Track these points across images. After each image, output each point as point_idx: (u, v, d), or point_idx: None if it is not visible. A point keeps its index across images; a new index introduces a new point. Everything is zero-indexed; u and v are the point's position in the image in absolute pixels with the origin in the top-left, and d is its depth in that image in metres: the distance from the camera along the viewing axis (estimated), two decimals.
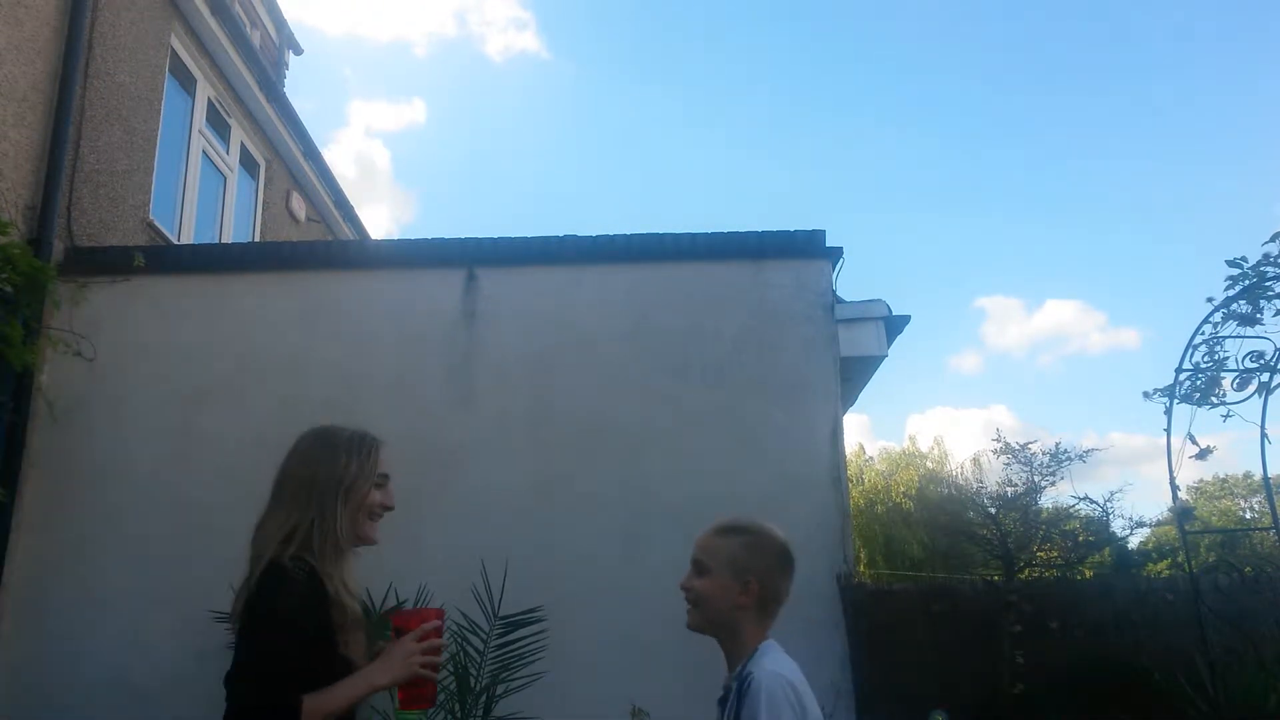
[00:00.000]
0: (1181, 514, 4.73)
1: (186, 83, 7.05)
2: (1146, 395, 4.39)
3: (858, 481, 16.53)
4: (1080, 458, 4.81)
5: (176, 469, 4.68)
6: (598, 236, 5.09)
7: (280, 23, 10.20)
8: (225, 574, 4.25)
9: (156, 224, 6.35)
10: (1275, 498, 4.40)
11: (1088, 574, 5.54)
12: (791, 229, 5.00)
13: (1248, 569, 4.13)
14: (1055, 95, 63.74)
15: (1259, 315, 4.09)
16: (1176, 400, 4.26)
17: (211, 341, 4.91)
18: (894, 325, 5.13)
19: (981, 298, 66.08)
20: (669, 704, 3.73)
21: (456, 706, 3.72)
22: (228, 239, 7.59)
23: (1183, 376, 4.26)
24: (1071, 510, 4.92)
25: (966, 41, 66.39)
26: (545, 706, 3.91)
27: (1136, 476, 51.67)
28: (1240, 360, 4.13)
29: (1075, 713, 3.88)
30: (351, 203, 9.96)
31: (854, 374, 5.37)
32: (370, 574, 2.04)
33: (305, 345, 4.89)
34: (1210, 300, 4.22)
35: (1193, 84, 63.46)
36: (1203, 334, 4.24)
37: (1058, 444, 4.83)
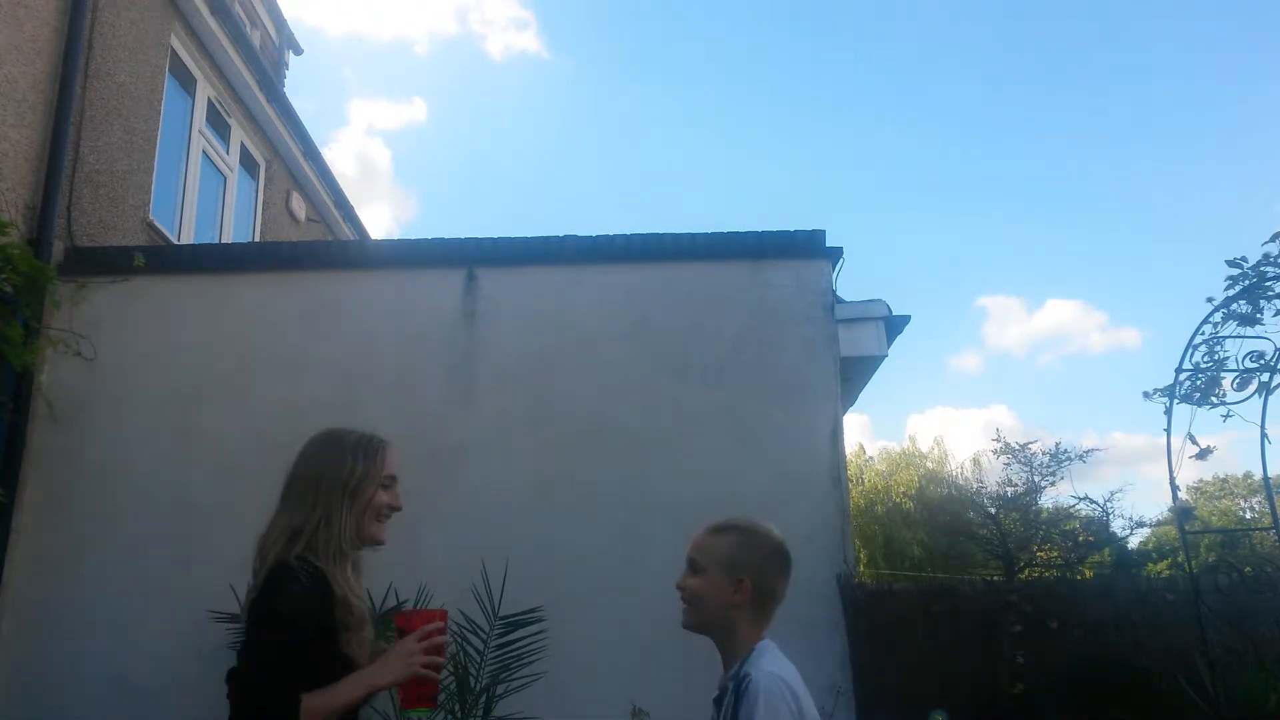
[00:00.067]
0: (1181, 514, 4.73)
1: (186, 83, 7.05)
2: (1146, 395, 4.39)
3: (858, 481, 16.53)
4: (1080, 458, 4.82)
5: (176, 469, 4.68)
6: (598, 236, 5.09)
7: (280, 23, 10.20)
8: (225, 574, 4.27)
9: (156, 224, 6.35)
10: (1275, 498, 4.41)
11: (1088, 574, 5.53)
12: (791, 229, 5.00)
13: (1248, 569, 4.13)
14: (1055, 95, 63.82)
15: (1259, 315, 4.09)
16: (1176, 400, 4.26)
17: (211, 341, 4.91)
18: (894, 325, 5.13)
19: (982, 297, 66.18)
20: (669, 704, 3.73)
21: (456, 706, 3.72)
22: (228, 239, 7.60)
23: (1183, 376, 4.26)
24: (1071, 510, 4.93)
25: (966, 41, 66.42)
26: (545, 706, 3.91)
27: (1136, 476, 51.71)
28: (1240, 360, 4.14)
29: (1075, 713, 3.88)
30: (351, 202, 9.97)
31: (854, 374, 5.37)
32: (370, 574, 2.05)
33: (305, 345, 4.89)
34: (1210, 300, 4.22)
35: (1193, 84, 63.54)
36: (1203, 334, 4.24)
37: (1058, 444, 4.84)
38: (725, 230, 5.07)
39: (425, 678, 1.84)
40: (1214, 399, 4.21)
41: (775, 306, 4.86)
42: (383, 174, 76.84)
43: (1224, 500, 32.66)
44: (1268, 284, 4.07)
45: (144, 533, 4.58)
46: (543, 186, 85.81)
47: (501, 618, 3.87)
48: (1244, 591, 3.98)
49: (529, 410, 4.74)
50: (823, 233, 4.97)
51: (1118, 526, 4.99)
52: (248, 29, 8.26)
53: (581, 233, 5.14)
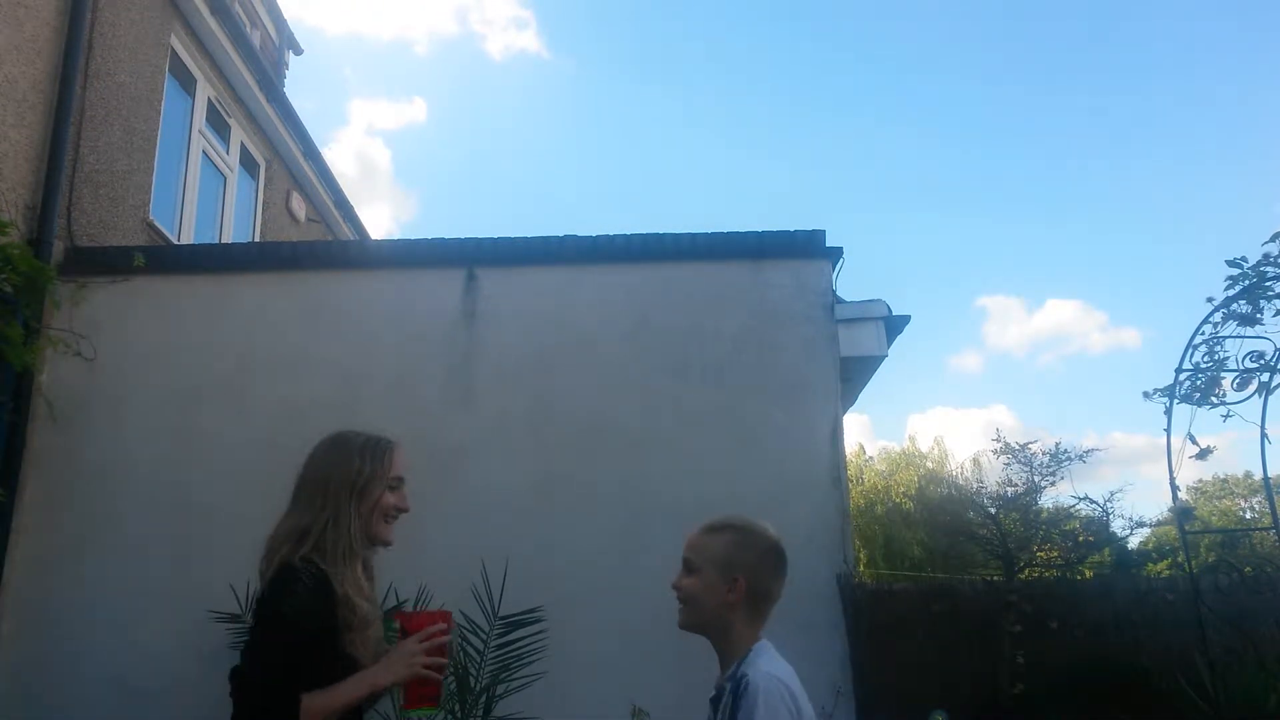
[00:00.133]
0: (1181, 514, 4.73)
1: (186, 83, 7.05)
2: (1146, 395, 4.39)
3: (858, 481, 16.52)
4: (1080, 458, 4.81)
5: (176, 469, 4.68)
6: (598, 236, 5.09)
7: (280, 23, 10.20)
8: (225, 574, 4.28)
9: (156, 224, 6.35)
10: (1275, 498, 4.40)
11: (1088, 574, 5.53)
12: (791, 229, 5.00)
13: (1248, 569, 4.13)
14: (1055, 95, 63.81)
15: (1259, 315, 4.09)
16: (1176, 400, 4.26)
17: (211, 341, 4.91)
18: (894, 325, 5.13)
19: (982, 297, 66.18)
20: (669, 704, 3.73)
21: (456, 706, 3.72)
22: (228, 239, 7.60)
23: (1183, 376, 4.26)
24: (1071, 510, 4.92)
25: (966, 41, 66.43)
26: (545, 706, 3.91)
27: (1136, 476, 51.66)
28: (1240, 360, 4.14)
29: (1075, 713, 3.88)
30: (351, 202, 9.97)
31: (854, 374, 5.36)
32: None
33: (305, 345, 4.89)
34: (1210, 300, 4.22)
35: (1193, 84, 63.53)
36: (1203, 334, 4.24)
37: (1058, 444, 4.83)
38: (725, 230, 5.08)
39: (427, 678, 1.85)
40: (1214, 399, 4.20)
41: (775, 306, 4.86)
42: (383, 174, 76.89)
43: (1224, 500, 32.65)
44: (1268, 284, 4.07)
45: (144, 533, 4.58)
46: (543, 186, 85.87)
47: (501, 618, 3.87)
48: (1244, 591, 3.98)
49: (529, 410, 4.74)
50: (823, 233, 4.97)
51: (1118, 526, 4.99)
52: (248, 29, 8.26)
53: (581, 233, 5.15)
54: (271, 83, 7.96)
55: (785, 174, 76.16)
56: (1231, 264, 4.15)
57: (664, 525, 4.27)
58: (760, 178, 76.86)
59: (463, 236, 5.12)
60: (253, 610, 1.83)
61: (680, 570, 1.89)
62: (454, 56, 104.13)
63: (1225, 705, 3.79)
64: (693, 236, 5.05)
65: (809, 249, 4.96)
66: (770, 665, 1.73)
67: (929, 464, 17.92)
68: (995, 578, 4.63)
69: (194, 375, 4.85)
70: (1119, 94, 63.56)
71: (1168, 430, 4.27)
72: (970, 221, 63.72)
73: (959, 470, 16.20)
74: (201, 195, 7.21)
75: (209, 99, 7.32)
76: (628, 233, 5.08)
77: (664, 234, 5.05)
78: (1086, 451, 4.86)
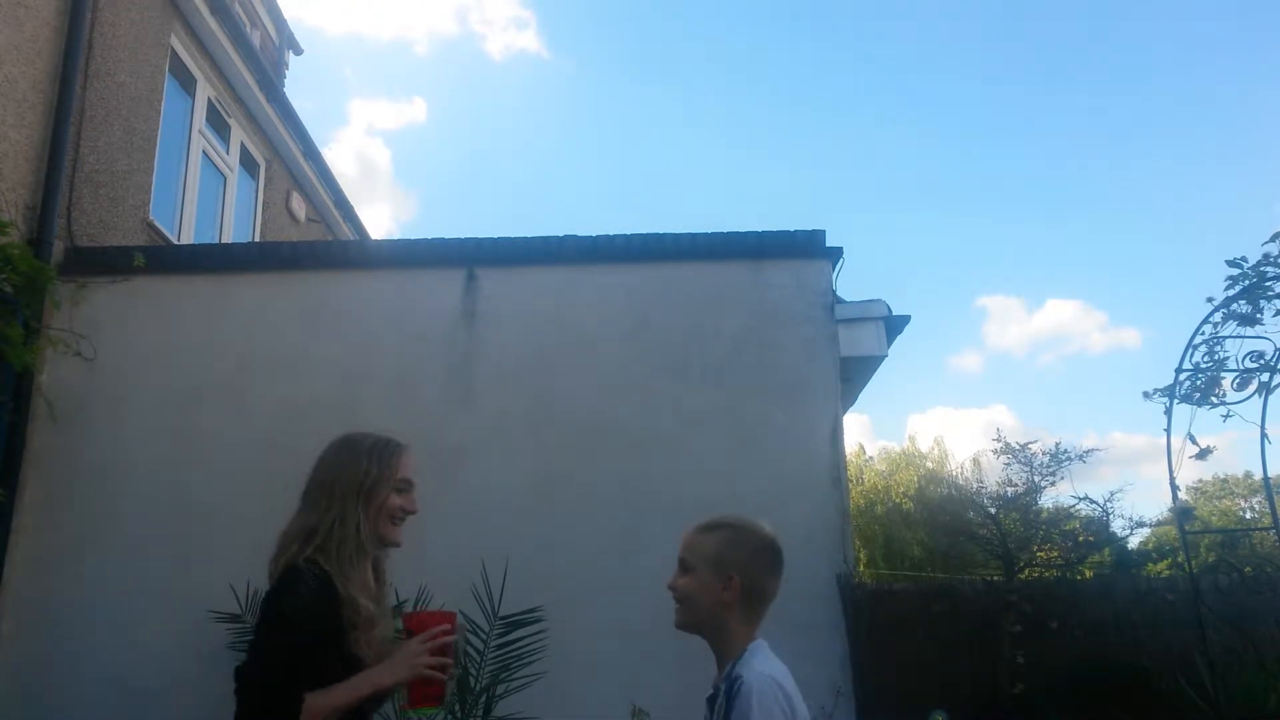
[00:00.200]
0: (1181, 514, 4.73)
1: (186, 83, 7.05)
2: (1146, 395, 4.39)
3: (858, 481, 16.52)
4: (1080, 458, 4.81)
5: (176, 469, 4.68)
6: (598, 236, 5.09)
7: (280, 23, 10.20)
8: (225, 574, 4.28)
9: (156, 224, 6.35)
10: (1275, 498, 4.40)
11: (1088, 574, 5.54)
12: (791, 229, 5.00)
13: (1248, 569, 4.13)
14: (1055, 95, 63.79)
15: (1259, 315, 4.09)
16: (1176, 400, 4.26)
17: (211, 341, 4.91)
18: (894, 325, 5.13)
19: (982, 297, 66.15)
20: (669, 704, 3.73)
21: (456, 706, 3.72)
22: (228, 239, 7.60)
23: (1183, 376, 4.26)
24: (1071, 510, 4.92)
25: (966, 41, 66.42)
26: (545, 706, 3.91)
27: (1136, 476, 51.63)
28: (1240, 360, 4.14)
29: (1075, 713, 3.88)
30: (351, 202, 9.97)
31: (854, 374, 5.36)
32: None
33: (305, 345, 4.89)
34: (1210, 300, 4.22)
35: (1193, 84, 63.52)
36: (1203, 334, 4.24)
37: (1058, 444, 4.84)
38: (725, 230, 5.08)
39: (430, 678, 1.87)
40: (1214, 399, 4.20)
41: (775, 306, 4.86)
42: (383, 174, 76.89)
43: (1224, 500, 32.64)
44: (1268, 284, 4.07)
45: (144, 533, 4.58)
46: (543, 186, 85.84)
47: (501, 618, 3.87)
48: (1244, 591, 3.98)
49: (529, 410, 4.74)
50: (823, 233, 4.97)
51: (1118, 526, 5.00)
52: (248, 29, 8.26)
53: (581, 233, 5.15)
54: (271, 83, 7.96)
55: (785, 174, 76.22)
56: (1231, 264, 4.15)
57: (664, 525, 4.24)
58: (760, 178, 76.91)
59: (463, 236, 5.12)
60: (258, 610, 1.84)
61: (676, 570, 1.89)
62: (454, 56, 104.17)
63: (1225, 705, 3.79)
64: (693, 236, 5.05)
65: (809, 249, 4.96)
66: (765, 665, 1.73)
67: (929, 464, 17.93)
68: (995, 578, 4.63)
69: (194, 375, 4.85)
70: (1119, 94, 63.58)
71: (1168, 430, 4.27)
72: (970, 221, 63.76)
73: (959, 470, 16.21)
74: (201, 195, 7.21)
75: (209, 99, 7.32)
76: (628, 233, 5.08)
77: (664, 234, 5.06)
78: (1086, 451, 4.87)
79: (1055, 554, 4.94)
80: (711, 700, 1.78)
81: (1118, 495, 4.77)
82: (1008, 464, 4.91)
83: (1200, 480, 33.79)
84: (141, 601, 4.46)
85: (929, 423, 53.80)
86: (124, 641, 4.41)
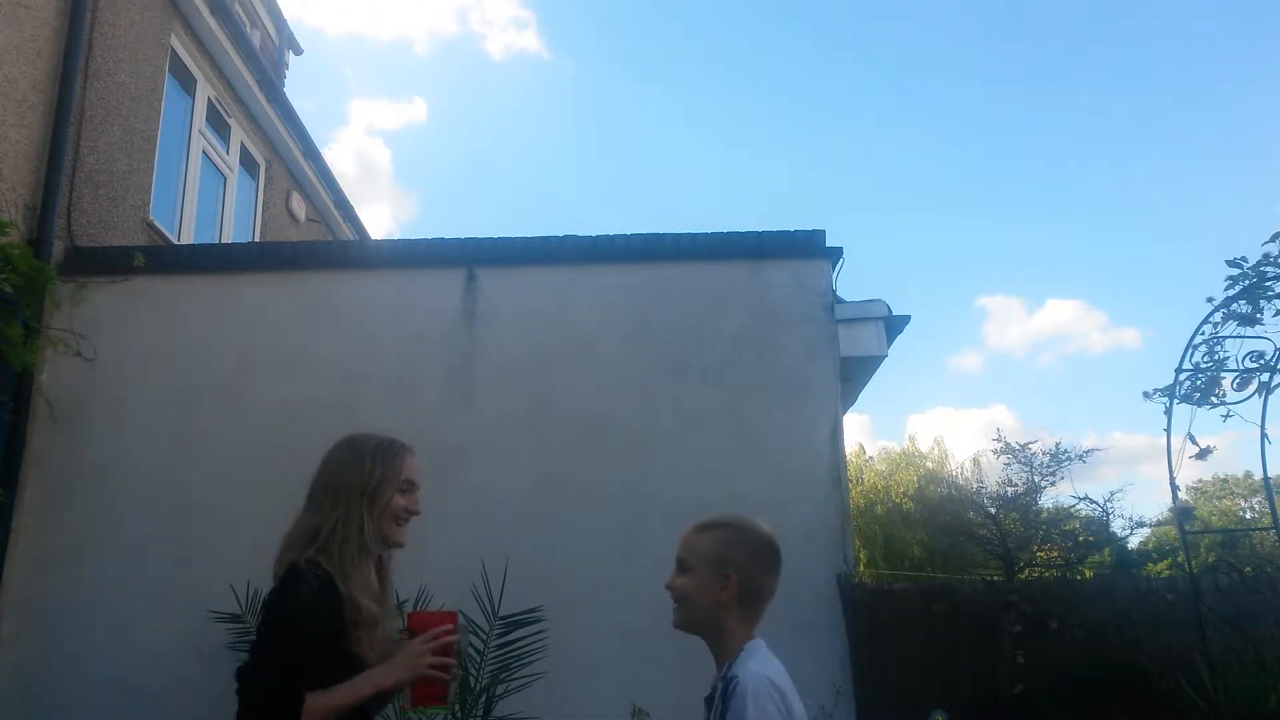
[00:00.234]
0: (1181, 514, 4.73)
1: (186, 83, 7.05)
2: (1146, 395, 4.39)
3: (858, 481, 16.52)
4: (1080, 458, 4.82)
5: (176, 469, 4.68)
6: (598, 236, 5.09)
7: (280, 23, 10.20)
8: (225, 574, 4.29)
9: (156, 224, 6.35)
10: (1275, 498, 4.40)
11: (1088, 574, 5.54)
12: (791, 229, 5.00)
13: (1248, 569, 4.13)
14: (1055, 95, 63.80)
15: (1259, 315, 4.09)
16: (1176, 400, 4.26)
17: (211, 341, 4.91)
18: (894, 325, 5.13)
19: (982, 297, 66.15)
20: (669, 704, 3.73)
21: (456, 707, 3.72)
22: (228, 239, 7.60)
23: (1183, 376, 4.26)
24: (1071, 510, 4.92)
25: (966, 41, 66.43)
26: (545, 706, 3.91)
27: (1136, 476, 51.64)
28: (1240, 360, 4.14)
29: (1075, 713, 3.88)
30: (352, 202, 9.97)
31: (854, 374, 5.36)
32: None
33: (305, 345, 4.89)
34: (1210, 300, 4.22)
35: (1193, 84, 63.52)
36: (1203, 334, 4.24)
37: (1058, 444, 4.84)
38: (725, 230, 5.08)
39: (432, 678, 1.88)
40: (1214, 399, 4.20)
41: (775, 306, 4.86)
42: (383, 174, 76.87)
43: (1224, 500, 32.63)
44: (1268, 284, 4.07)
45: (144, 533, 4.58)
46: (543, 186, 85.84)
47: (501, 618, 3.87)
48: (1244, 591, 3.98)
49: (529, 410, 4.74)
50: (823, 233, 4.97)
51: (1118, 526, 5.00)
52: (248, 29, 8.26)
53: (581, 233, 5.15)
54: (271, 83, 7.96)
55: (785, 174, 76.22)
56: (1231, 264, 4.15)
57: (664, 525, 4.23)
58: (760, 178, 76.91)
59: (463, 236, 5.12)
60: (259, 610, 1.85)
61: (674, 570, 1.89)
62: (454, 56, 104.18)
63: (1225, 705, 3.79)
64: (693, 236, 5.05)
65: (809, 249, 4.96)
66: (760, 665, 1.72)
67: (929, 464, 17.93)
68: (995, 578, 4.63)
69: (194, 375, 4.85)
70: (1119, 94, 63.58)
71: (1168, 430, 4.27)
72: (970, 221, 63.76)
73: (959, 470, 16.21)
74: (201, 195, 7.21)
75: (209, 99, 7.32)
76: (628, 233, 5.08)
77: (664, 234, 5.06)
78: (1086, 451, 4.87)
79: (1055, 554, 4.94)
80: (709, 700, 1.78)
81: (1118, 495, 4.78)
82: (1008, 464, 4.91)
83: (1200, 480, 33.82)
84: (141, 601, 4.46)
85: (929, 423, 53.83)
86: (124, 641, 4.41)
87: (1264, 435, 4.10)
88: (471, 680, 3.79)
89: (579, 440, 4.67)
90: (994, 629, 4.13)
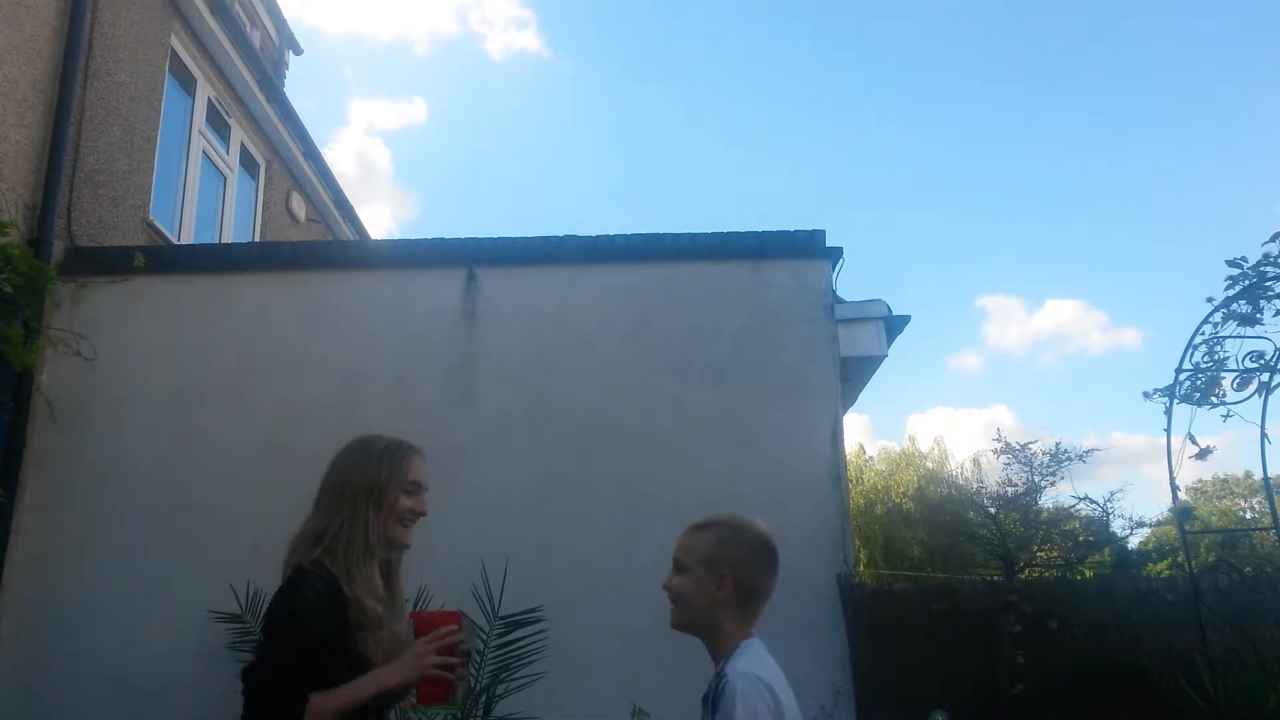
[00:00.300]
0: (1181, 514, 4.73)
1: (186, 83, 7.05)
2: (1146, 395, 4.39)
3: (858, 481, 16.52)
4: (1080, 458, 4.82)
5: (176, 469, 4.68)
6: (598, 236, 5.10)
7: (280, 23, 10.20)
8: (225, 574, 4.29)
9: (156, 224, 6.35)
10: (1275, 498, 4.40)
11: (1088, 574, 5.54)
12: (791, 229, 5.00)
13: (1248, 569, 4.13)
14: (1055, 95, 63.77)
15: (1259, 315, 4.09)
16: (1176, 400, 4.26)
17: (211, 341, 4.91)
18: (894, 325, 5.13)
19: (982, 297, 66.12)
20: (669, 704, 3.73)
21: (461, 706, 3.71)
22: (228, 239, 7.60)
23: (1183, 376, 4.26)
24: (1071, 510, 4.93)
25: (966, 41, 66.42)
26: (545, 706, 3.91)
27: (1136, 476, 51.60)
28: (1240, 360, 4.14)
29: (1075, 713, 3.88)
30: (352, 202, 9.97)
31: (854, 374, 5.37)
32: None
33: (305, 345, 4.89)
34: (1210, 300, 4.22)
35: (1193, 84, 63.52)
36: (1203, 334, 4.24)
37: (1058, 444, 4.84)
38: (725, 230, 5.08)
39: (436, 678, 1.90)
40: (1214, 399, 4.20)
41: (775, 306, 4.86)
42: (383, 174, 76.87)
43: (1224, 500, 32.63)
44: (1268, 284, 4.07)
45: (144, 533, 4.58)
46: (543, 186, 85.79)
47: (501, 618, 3.88)
48: (1244, 591, 3.98)
49: (529, 410, 4.74)
50: (823, 233, 4.97)
51: (1118, 526, 5.00)
52: (248, 29, 8.27)
53: (581, 233, 5.16)
54: (271, 83, 7.96)
55: (785, 174, 76.19)
56: (1231, 264, 4.15)
57: (664, 525, 4.22)
58: (760, 178, 76.88)
59: (463, 236, 5.12)
60: (260, 610, 1.87)
61: (671, 570, 1.89)
62: (454, 56, 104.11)
63: (1225, 705, 3.79)
64: (693, 236, 5.05)
65: (809, 249, 4.96)
66: (751, 664, 1.72)
67: (929, 464, 17.93)
68: (995, 578, 4.63)
69: (194, 375, 4.85)
70: (1119, 94, 63.54)
71: (1168, 430, 4.27)
72: (970, 221, 63.72)
73: (959, 470, 16.21)
74: (201, 195, 7.21)
75: (209, 99, 7.33)
76: (628, 233, 5.08)
77: (664, 234, 5.06)
78: (1086, 451, 4.87)
79: (1055, 554, 4.94)
80: (706, 699, 1.78)
81: (1118, 495, 4.78)
82: (1008, 464, 4.91)
83: (1200, 480, 33.81)
84: (141, 601, 4.46)
85: (929, 423, 53.82)
86: (124, 641, 4.41)
87: (1264, 435, 4.10)
88: (471, 680, 3.79)
89: (579, 440, 4.67)
90: (994, 629, 4.14)
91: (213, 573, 4.31)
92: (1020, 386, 57.50)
